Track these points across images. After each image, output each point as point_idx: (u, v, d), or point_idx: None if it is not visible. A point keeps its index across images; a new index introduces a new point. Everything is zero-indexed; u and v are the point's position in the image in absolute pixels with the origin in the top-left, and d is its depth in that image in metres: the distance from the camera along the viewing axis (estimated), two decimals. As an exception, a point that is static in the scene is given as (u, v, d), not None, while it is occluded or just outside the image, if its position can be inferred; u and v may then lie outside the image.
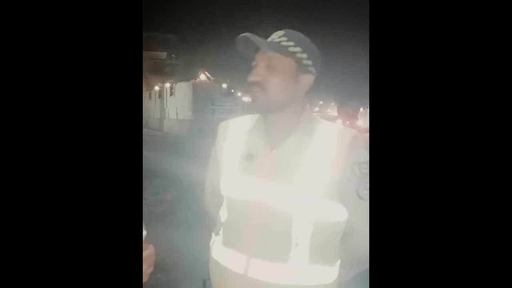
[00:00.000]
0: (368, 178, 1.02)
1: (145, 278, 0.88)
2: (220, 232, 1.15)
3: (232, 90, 22.78)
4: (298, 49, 1.05)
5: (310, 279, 1.05)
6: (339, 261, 1.11)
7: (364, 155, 1.05)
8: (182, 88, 22.63)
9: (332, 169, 1.03)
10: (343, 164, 1.03)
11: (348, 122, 3.58)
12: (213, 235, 1.21)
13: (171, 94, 24.14)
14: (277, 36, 1.06)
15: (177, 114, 22.50)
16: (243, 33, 1.04)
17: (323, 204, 1.03)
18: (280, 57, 1.04)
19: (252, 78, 1.06)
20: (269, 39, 1.06)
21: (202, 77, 23.51)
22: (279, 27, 1.13)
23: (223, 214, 1.16)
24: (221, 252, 1.14)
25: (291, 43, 1.05)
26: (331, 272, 1.08)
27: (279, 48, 1.04)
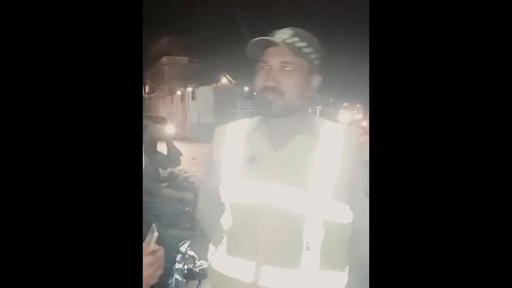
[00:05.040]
0: None
1: (154, 280, 0.88)
2: (223, 241, 1.09)
3: (254, 93, 22.80)
4: (310, 49, 1.02)
5: (321, 286, 1.01)
6: (348, 267, 1.07)
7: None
8: (204, 92, 22.87)
9: (340, 168, 1.01)
10: (350, 164, 1.01)
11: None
12: (211, 246, 1.15)
13: (193, 98, 24.42)
14: (288, 35, 1.01)
15: (199, 118, 22.73)
16: (265, 34, 1.01)
17: (332, 205, 1.01)
18: (295, 59, 1.01)
19: (268, 83, 1.02)
20: (278, 38, 1.01)
21: (224, 80, 23.70)
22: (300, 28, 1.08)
23: (225, 222, 1.11)
24: (225, 262, 1.07)
25: (304, 44, 1.01)
26: (342, 278, 1.04)
27: (295, 50, 1.00)
